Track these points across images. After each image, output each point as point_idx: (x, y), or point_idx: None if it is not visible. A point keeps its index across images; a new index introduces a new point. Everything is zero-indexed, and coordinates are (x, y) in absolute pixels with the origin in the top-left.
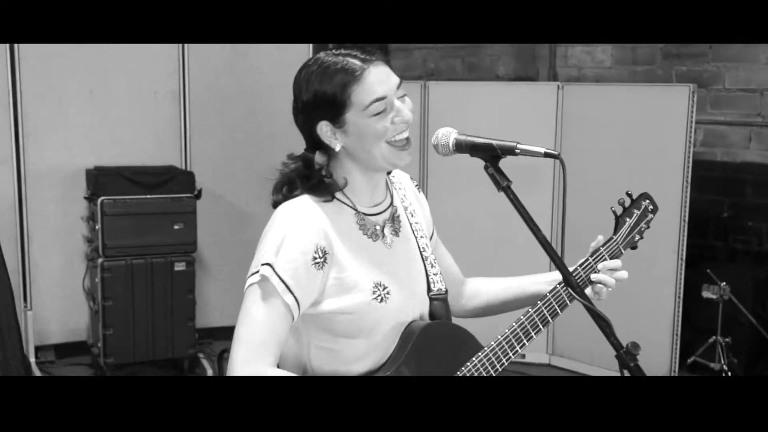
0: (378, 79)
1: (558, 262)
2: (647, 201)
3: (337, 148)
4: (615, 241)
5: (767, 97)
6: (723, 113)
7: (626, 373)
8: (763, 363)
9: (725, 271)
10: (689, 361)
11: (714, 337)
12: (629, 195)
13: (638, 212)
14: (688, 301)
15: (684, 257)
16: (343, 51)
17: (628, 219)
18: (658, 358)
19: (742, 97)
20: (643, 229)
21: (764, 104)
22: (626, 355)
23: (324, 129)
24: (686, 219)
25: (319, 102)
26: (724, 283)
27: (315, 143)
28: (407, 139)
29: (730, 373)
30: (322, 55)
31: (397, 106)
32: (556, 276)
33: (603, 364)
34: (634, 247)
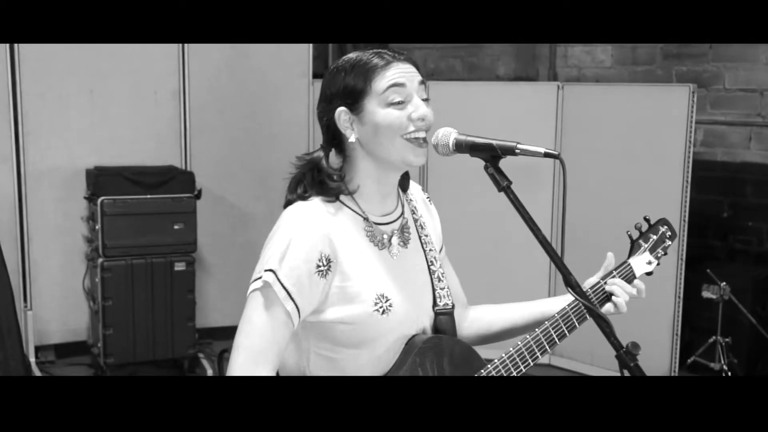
0: (400, 71)
1: (558, 262)
2: (665, 227)
3: (351, 138)
4: (628, 265)
5: (767, 97)
6: (723, 113)
7: (626, 373)
8: (763, 363)
9: (725, 271)
10: (689, 361)
11: (714, 337)
12: (647, 220)
13: (655, 237)
14: (688, 301)
15: (684, 257)
16: (374, 50)
17: (644, 244)
18: (658, 358)
19: (742, 97)
20: (659, 255)
21: (764, 104)
22: (626, 355)
23: (342, 116)
24: (686, 219)
25: (342, 89)
26: (724, 283)
27: (332, 135)
28: (424, 139)
29: (730, 373)
30: (352, 53)
31: (417, 102)
32: (562, 300)
33: (603, 364)
34: (649, 273)
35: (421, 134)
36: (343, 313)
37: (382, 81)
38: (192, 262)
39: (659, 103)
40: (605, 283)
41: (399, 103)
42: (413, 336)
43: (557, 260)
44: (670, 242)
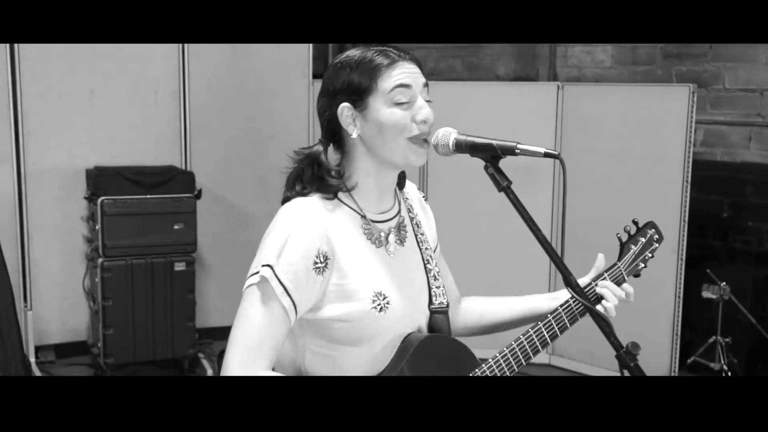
0: (406, 71)
1: (558, 262)
2: (653, 230)
3: (354, 135)
4: (618, 267)
5: (767, 97)
6: (723, 113)
7: (626, 373)
8: (763, 363)
9: (725, 271)
10: (689, 361)
11: (714, 337)
12: (635, 223)
13: (644, 240)
14: (688, 301)
15: (684, 257)
16: (378, 47)
17: (633, 247)
18: (658, 358)
19: (742, 97)
20: (647, 257)
21: (764, 104)
22: (626, 355)
23: (345, 112)
24: (686, 219)
25: (347, 85)
26: (724, 283)
27: (332, 131)
28: (426, 140)
29: (730, 373)
30: (356, 50)
31: (420, 104)
32: (554, 296)
33: (603, 364)
34: (637, 275)
35: (423, 136)
36: (341, 311)
37: (389, 80)
38: (192, 262)
39: (659, 103)
40: (596, 285)
41: (404, 103)
42: (409, 334)
43: (557, 260)
44: (657, 245)
